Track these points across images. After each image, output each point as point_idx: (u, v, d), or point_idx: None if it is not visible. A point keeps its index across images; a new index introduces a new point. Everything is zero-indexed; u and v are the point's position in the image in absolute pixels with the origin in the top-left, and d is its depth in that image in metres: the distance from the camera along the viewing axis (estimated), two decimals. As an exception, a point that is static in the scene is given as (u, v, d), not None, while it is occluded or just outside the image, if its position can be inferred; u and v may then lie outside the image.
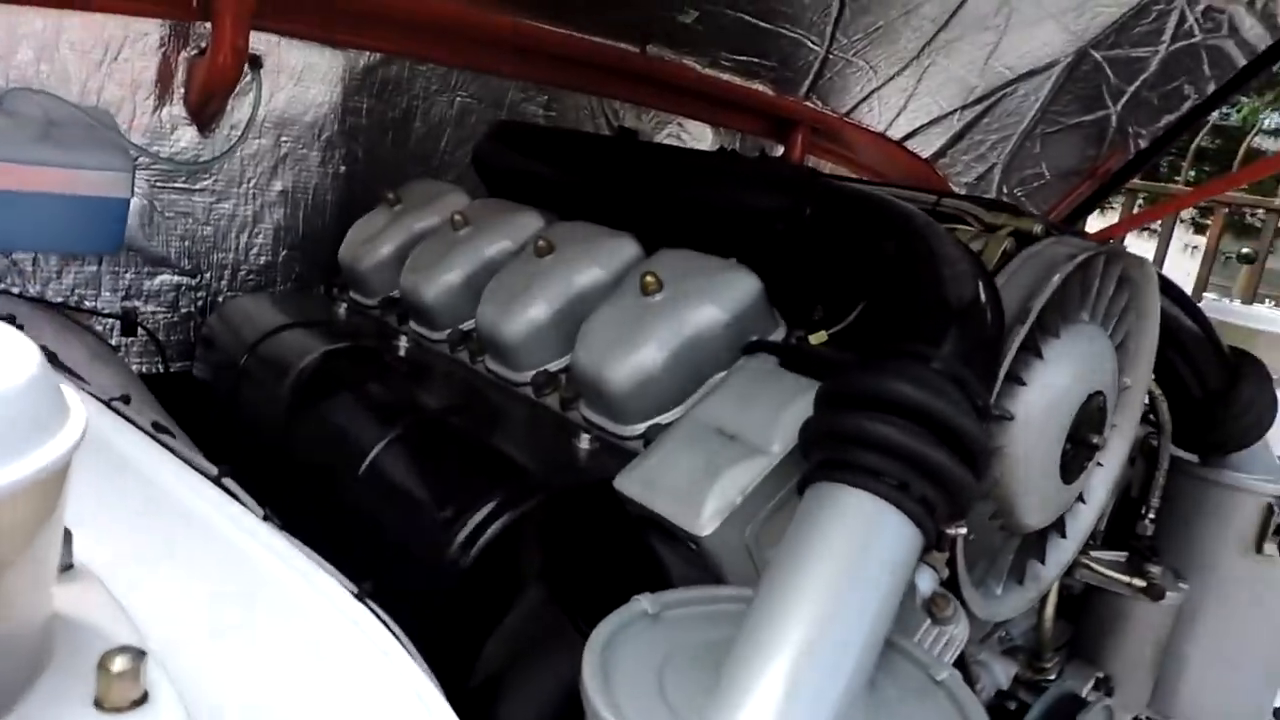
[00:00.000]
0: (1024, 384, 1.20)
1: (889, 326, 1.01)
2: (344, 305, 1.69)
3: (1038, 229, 1.27)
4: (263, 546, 0.83)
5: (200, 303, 1.74)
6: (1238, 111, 8.95)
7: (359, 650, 0.75)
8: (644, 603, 0.89)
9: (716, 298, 1.19)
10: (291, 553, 0.82)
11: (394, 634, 0.81)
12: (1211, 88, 2.27)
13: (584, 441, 1.18)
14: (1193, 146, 4.30)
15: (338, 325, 1.58)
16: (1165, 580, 1.59)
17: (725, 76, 2.31)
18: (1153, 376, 1.65)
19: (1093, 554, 1.62)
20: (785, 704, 0.75)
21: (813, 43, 2.21)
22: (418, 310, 1.53)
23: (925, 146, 2.72)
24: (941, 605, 1.04)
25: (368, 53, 1.80)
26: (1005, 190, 2.72)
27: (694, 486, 0.99)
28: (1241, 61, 2.20)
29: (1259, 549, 1.66)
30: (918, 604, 1.03)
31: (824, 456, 0.90)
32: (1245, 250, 4.48)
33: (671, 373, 1.16)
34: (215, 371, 1.59)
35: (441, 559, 1.00)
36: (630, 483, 1.04)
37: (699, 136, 2.47)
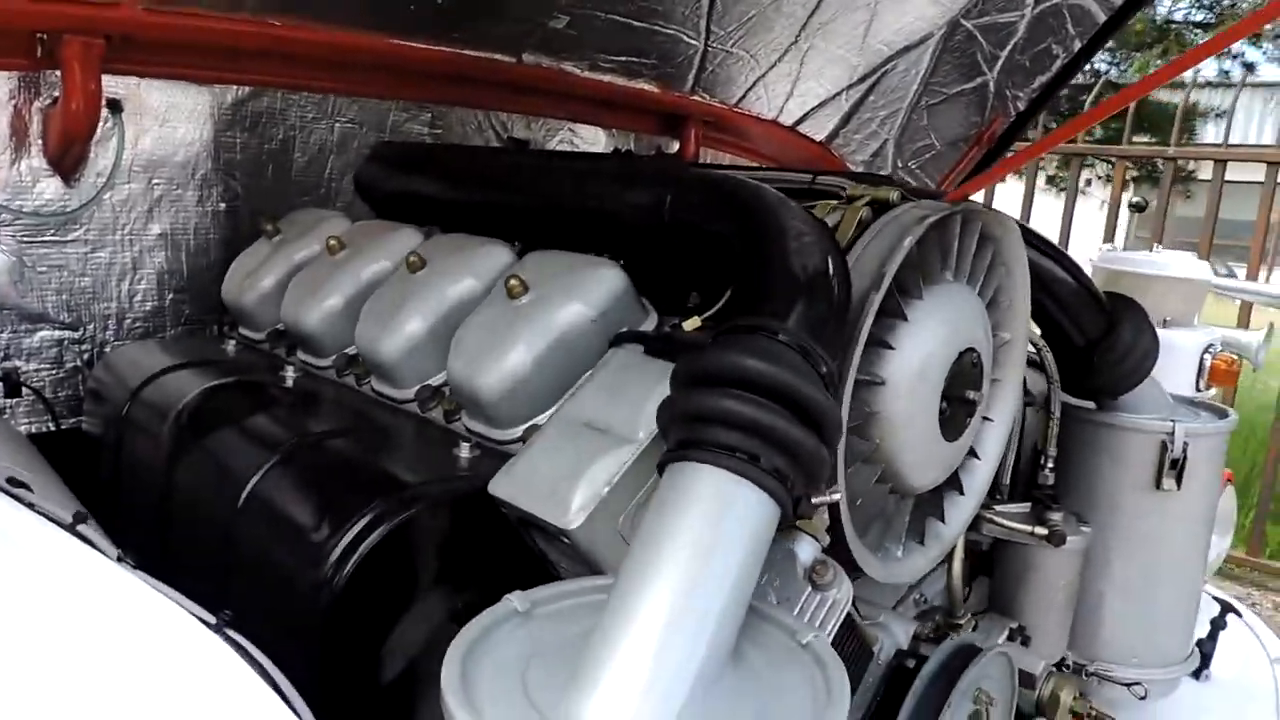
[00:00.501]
0: (891, 348, 1.23)
1: (741, 303, 1.03)
2: (233, 342, 1.67)
3: (893, 196, 1.30)
4: (114, 588, 0.82)
5: (86, 355, 1.71)
6: (1132, 67, 9.21)
7: (208, 681, 0.74)
8: (514, 601, 0.89)
9: (581, 295, 1.20)
10: (144, 592, 0.82)
11: (254, 661, 0.80)
12: (1077, 45, 2.34)
13: (464, 450, 1.18)
14: (1130, 111, 4.42)
15: (222, 362, 1.56)
16: (1067, 525, 1.63)
17: (607, 78, 2.32)
18: (1036, 329, 1.71)
19: (997, 508, 1.65)
20: (643, 681, 0.76)
21: (689, 37, 2.23)
22: (302, 339, 1.52)
23: (818, 129, 2.76)
24: (821, 572, 1.05)
25: (235, 87, 1.78)
26: (900, 164, 2.78)
27: (561, 482, 1.00)
28: (1102, 17, 2.27)
29: (1158, 484, 1.71)
30: (799, 572, 1.05)
31: (677, 437, 0.91)
32: (1135, 199, 4.62)
33: (542, 373, 1.17)
34: (103, 423, 1.57)
35: (319, 578, 1.00)
36: (502, 485, 1.04)
37: (592, 140, 2.48)
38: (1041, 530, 1.58)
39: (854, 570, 1.25)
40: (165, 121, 1.70)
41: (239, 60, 1.76)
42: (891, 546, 1.38)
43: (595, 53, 2.20)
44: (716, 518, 0.86)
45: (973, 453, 1.52)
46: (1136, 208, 4.38)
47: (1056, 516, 1.61)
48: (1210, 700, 2.04)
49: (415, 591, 1.05)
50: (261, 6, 1.64)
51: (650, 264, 1.36)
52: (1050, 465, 1.69)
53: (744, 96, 2.58)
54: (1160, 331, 2.17)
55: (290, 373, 1.49)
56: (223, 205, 1.82)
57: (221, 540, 1.15)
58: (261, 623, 0.87)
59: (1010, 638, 1.55)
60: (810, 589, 1.04)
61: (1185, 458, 1.70)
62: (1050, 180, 8.86)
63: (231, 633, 0.81)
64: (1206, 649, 2.06)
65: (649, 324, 1.27)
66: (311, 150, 1.94)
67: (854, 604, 1.30)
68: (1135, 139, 5.55)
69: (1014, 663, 1.28)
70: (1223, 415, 1.85)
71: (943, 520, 1.47)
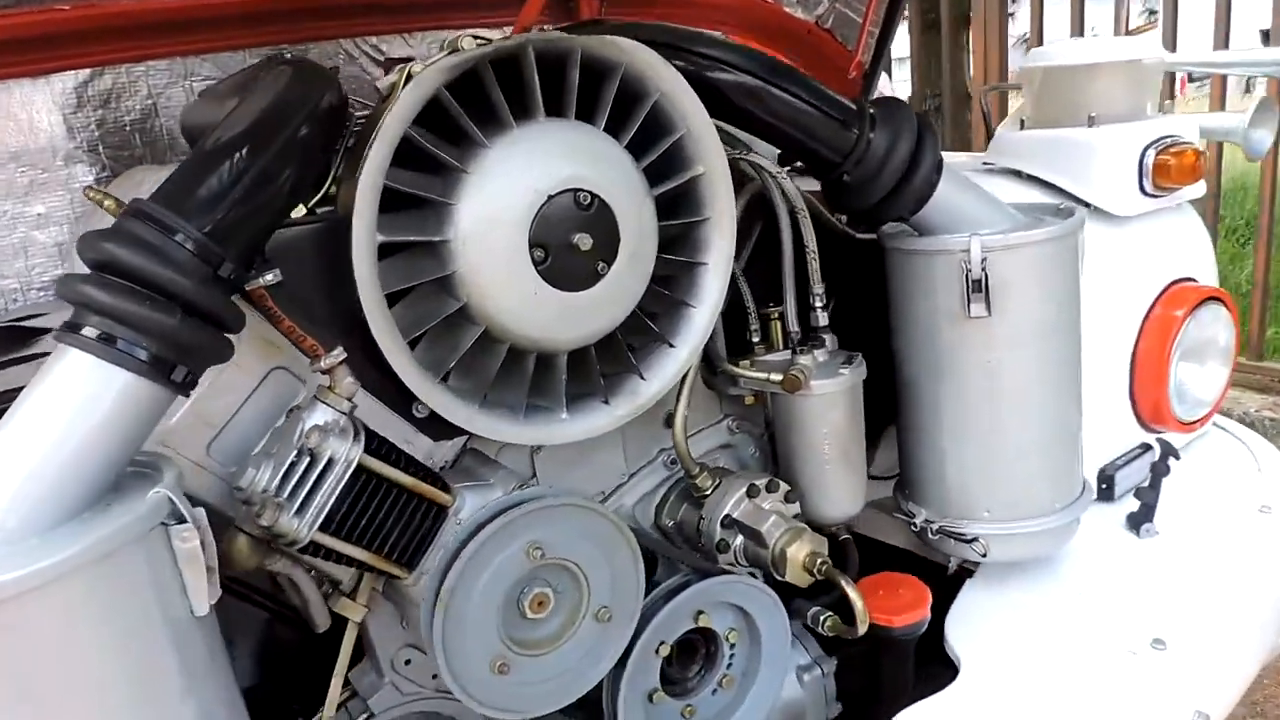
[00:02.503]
0: (450, 203, 1.18)
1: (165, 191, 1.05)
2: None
3: (464, 42, 1.22)
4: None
5: None
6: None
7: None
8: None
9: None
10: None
11: None
12: None
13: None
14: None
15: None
16: (821, 369, 1.48)
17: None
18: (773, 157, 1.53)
19: (756, 358, 1.53)
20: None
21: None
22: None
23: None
24: (321, 435, 1.06)
25: (73, 72, 2.00)
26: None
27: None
28: None
29: (969, 312, 1.49)
30: (295, 436, 1.07)
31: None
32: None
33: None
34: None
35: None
36: None
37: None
38: (776, 377, 1.45)
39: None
40: (13, 116, 1.95)
41: (70, 46, 1.96)
42: (551, 407, 1.34)
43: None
44: (68, 393, 0.92)
45: (687, 301, 1.42)
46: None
47: (804, 360, 1.46)
48: (1148, 557, 1.76)
49: None
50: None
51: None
52: (819, 304, 1.53)
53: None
54: (1082, 132, 1.86)
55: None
56: (96, 180, 2.06)
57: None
58: None
59: (751, 494, 1.44)
60: (298, 453, 1.06)
61: (987, 276, 1.46)
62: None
63: None
64: (1147, 499, 1.78)
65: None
66: (175, 113, 2.12)
67: (463, 459, 1.30)
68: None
69: (603, 515, 1.21)
70: (1068, 215, 1.56)
71: (642, 377, 1.40)
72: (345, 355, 1.11)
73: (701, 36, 1.43)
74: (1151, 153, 1.84)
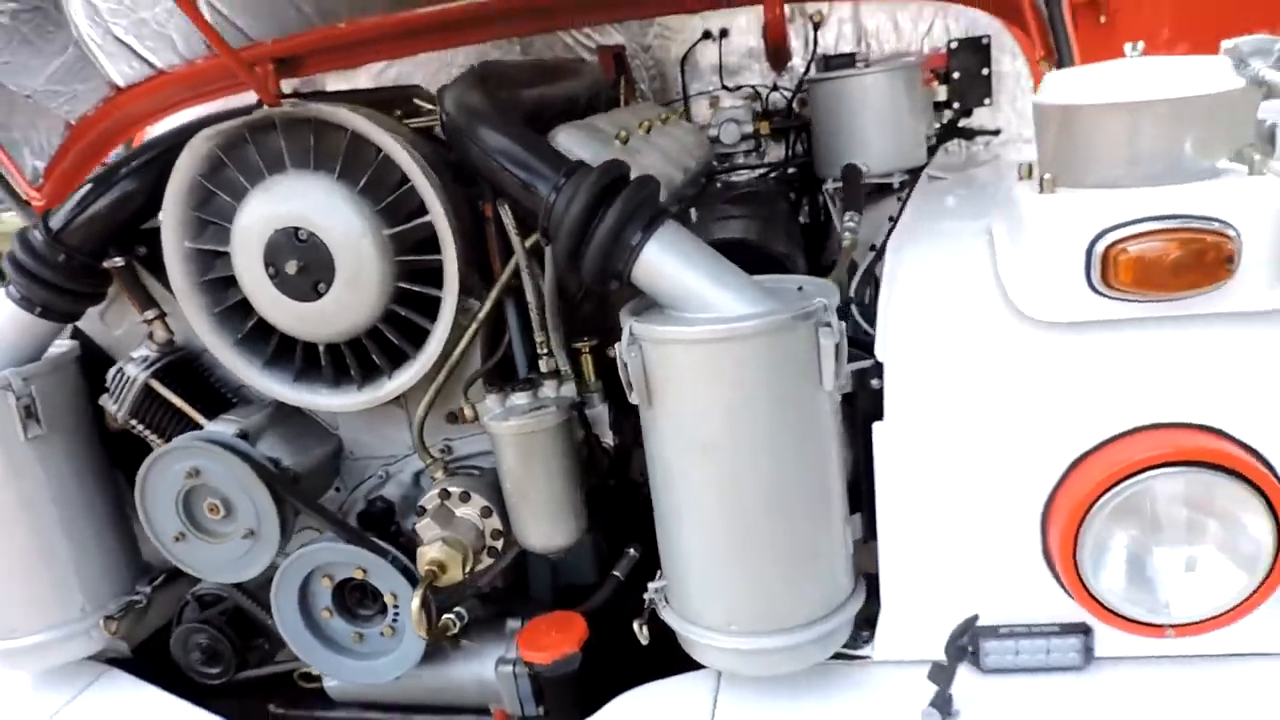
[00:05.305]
0: (227, 226, 1.69)
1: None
2: None
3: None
4: None
5: None
6: None
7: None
8: None
9: None
10: None
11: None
12: None
13: None
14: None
15: None
16: (509, 411, 1.59)
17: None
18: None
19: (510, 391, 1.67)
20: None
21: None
22: None
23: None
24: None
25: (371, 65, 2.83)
26: None
27: None
28: None
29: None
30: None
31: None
32: None
33: None
34: None
35: None
36: None
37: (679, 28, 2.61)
38: (468, 411, 1.62)
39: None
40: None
41: (371, 48, 2.80)
42: (318, 382, 1.76)
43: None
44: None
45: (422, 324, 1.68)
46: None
47: (490, 399, 1.60)
48: None
49: None
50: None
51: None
52: (544, 350, 1.61)
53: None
54: (1028, 192, 1.51)
55: None
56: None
57: None
58: None
59: (442, 496, 1.65)
60: (120, 368, 1.75)
61: (644, 364, 1.37)
62: None
63: None
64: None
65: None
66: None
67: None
68: None
69: (243, 463, 1.62)
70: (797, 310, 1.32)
71: (389, 376, 1.72)
72: (158, 314, 1.74)
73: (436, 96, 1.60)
74: (1106, 241, 1.29)
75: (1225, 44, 1.49)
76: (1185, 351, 1.33)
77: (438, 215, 1.57)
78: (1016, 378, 1.38)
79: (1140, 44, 1.40)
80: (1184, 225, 1.26)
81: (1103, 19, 3.07)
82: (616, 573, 1.72)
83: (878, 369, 1.42)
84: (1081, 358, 1.36)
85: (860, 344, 1.46)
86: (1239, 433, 1.33)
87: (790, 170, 2.69)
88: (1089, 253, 1.30)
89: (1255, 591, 1.33)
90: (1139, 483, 1.31)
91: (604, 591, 1.71)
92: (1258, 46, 1.48)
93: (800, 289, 1.49)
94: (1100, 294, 1.31)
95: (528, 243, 1.61)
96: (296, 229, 1.60)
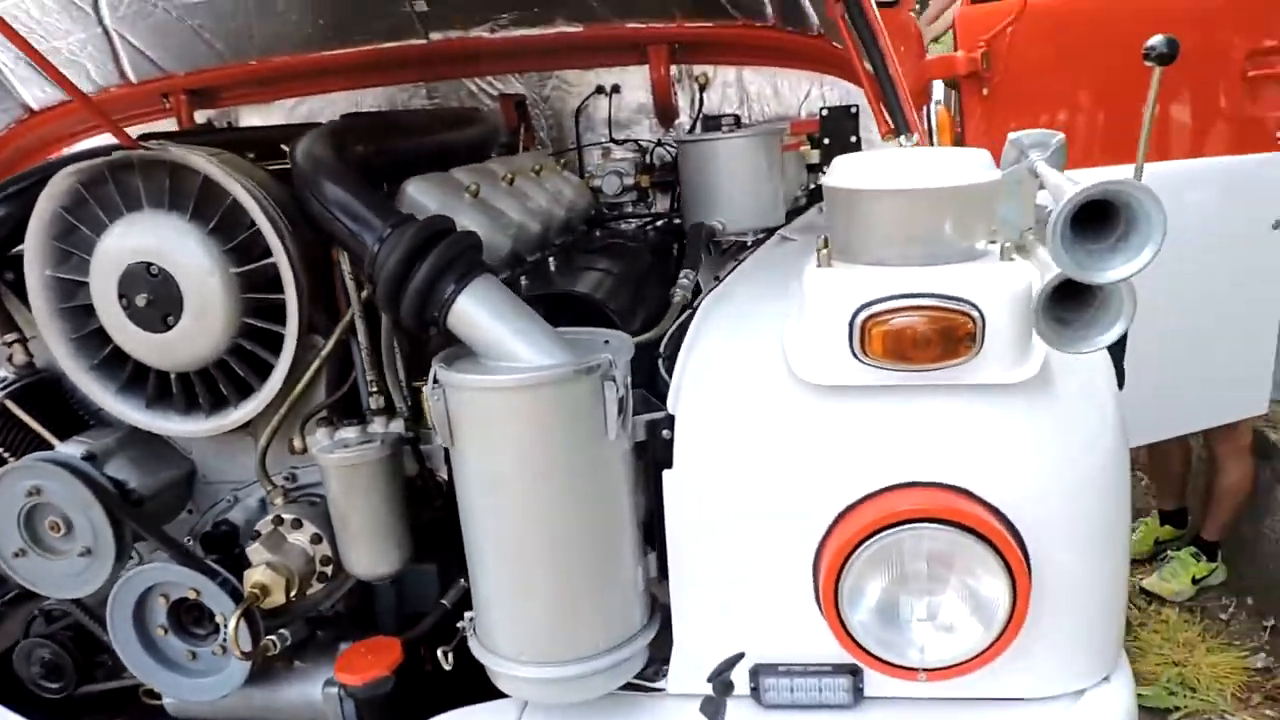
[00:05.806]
0: (87, 258, 1.78)
1: None
2: None
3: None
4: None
5: None
6: None
7: None
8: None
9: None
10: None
11: None
12: None
13: None
14: None
15: None
16: (335, 444, 1.68)
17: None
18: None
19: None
20: None
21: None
22: None
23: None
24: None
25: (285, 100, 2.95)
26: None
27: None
28: None
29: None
30: (-17, 383, 1.83)
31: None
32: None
33: None
34: None
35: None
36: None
37: (576, 81, 2.75)
38: (298, 443, 1.72)
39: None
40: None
41: (285, 84, 2.92)
42: (169, 408, 1.85)
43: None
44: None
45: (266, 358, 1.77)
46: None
47: (320, 432, 1.70)
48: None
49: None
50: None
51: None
52: (374, 388, 1.71)
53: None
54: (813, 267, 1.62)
55: None
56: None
57: None
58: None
59: (276, 523, 1.74)
60: (-26, 391, 1.83)
61: (446, 406, 1.48)
62: None
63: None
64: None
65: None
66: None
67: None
68: None
69: (80, 483, 1.70)
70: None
71: (235, 406, 1.82)
72: (19, 338, 1.83)
73: (291, 141, 1.71)
74: (865, 314, 1.42)
75: (1011, 135, 1.64)
76: (937, 417, 1.46)
77: (280, 257, 1.68)
78: (791, 435, 1.50)
79: (915, 136, 1.54)
80: (932, 304, 1.39)
81: (985, 91, 3.26)
82: (444, 601, 1.81)
83: (669, 420, 1.54)
84: (847, 419, 1.48)
85: (663, 396, 1.58)
86: (987, 494, 1.46)
87: (677, 221, 2.83)
88: (850, 324, 1.43)
89: (993, 644, 1.45)
90: (889, 535, 1.43)
91: (429, 620, 1.80)
92: (1038, 140, 1.62)
93: (606, 342, 1.61)
94: (861, 362, 1.44)
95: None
96: (149, 264, 1.69)
